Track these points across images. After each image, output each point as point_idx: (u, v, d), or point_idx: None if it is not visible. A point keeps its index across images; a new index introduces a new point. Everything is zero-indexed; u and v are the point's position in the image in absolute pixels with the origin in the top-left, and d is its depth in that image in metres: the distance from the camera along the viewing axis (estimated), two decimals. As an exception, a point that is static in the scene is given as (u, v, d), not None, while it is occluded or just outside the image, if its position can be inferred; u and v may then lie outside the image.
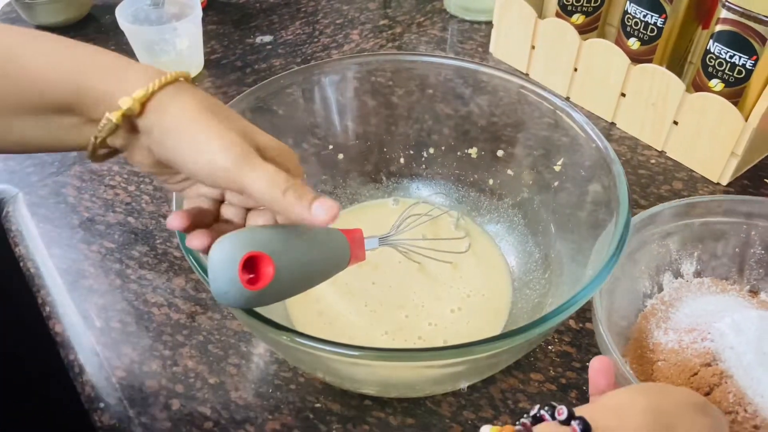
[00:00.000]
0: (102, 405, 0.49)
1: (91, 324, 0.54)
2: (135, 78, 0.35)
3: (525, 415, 0.32)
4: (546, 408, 0.31)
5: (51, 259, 0.59)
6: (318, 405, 0.48)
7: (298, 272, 0.37)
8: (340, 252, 0.40)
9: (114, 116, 0.34)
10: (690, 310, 0.50)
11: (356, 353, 0.37)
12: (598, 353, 0.51)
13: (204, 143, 0.34)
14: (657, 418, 0.31)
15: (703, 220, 0.52)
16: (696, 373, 0.45)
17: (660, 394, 0.33)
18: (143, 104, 0.34)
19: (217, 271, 0.34)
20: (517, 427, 0.30)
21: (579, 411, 0.31)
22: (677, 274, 0.54)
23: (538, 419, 0.31)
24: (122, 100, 0.34)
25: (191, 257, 0.42)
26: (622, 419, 0.31)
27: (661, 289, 0.53)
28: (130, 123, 0.35)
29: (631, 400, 0.32)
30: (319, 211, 0.34)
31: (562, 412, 0.30)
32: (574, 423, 0.29)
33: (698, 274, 0.54)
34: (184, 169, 0.35)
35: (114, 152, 0.38)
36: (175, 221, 0.38)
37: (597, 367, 0.37)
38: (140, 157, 0.38)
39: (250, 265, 0.35)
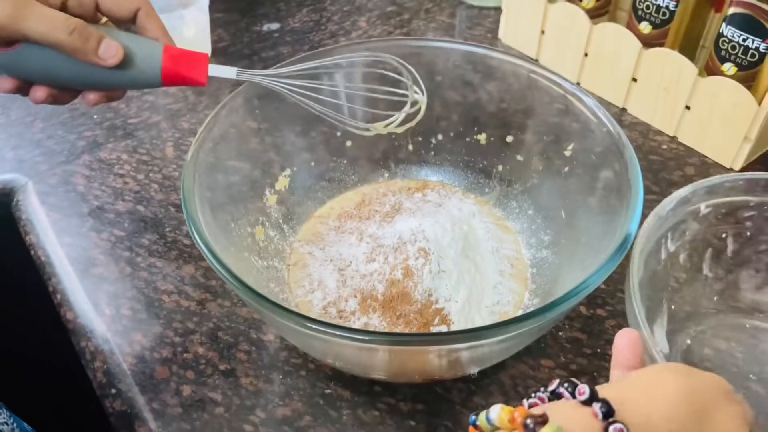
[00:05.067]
0: (114, 391, 0.49)
1: (102, 311, 0.54)
2: None
3: (542, 389, 0.29)
4: (566, 385, 0.29)
5: (61, 247, 0.59)
6: (328, 391, 0.48)
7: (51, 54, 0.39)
8: (141, 60, 0.42)
9: None
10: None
11: (366, 338, 0.38)
12: (610, 340, 0.51)
13: None
14: (690, 399, 0.29)
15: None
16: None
17: (689, 374, 0.30)
18: None
19: None
20: (532, 400, 0.28)
21: (602, 390, 0.28)
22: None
23: (556, 395, 0.29)
24: None
25: (201, 244, 0.42)
26: (651, 398, 0.28)
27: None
28: None
29: (659, 378, 0.30)
30: (107, 54, 0.39)
31: (584, 391, 0.28)
32: (595, 405, 0.27)
33: (737, 252, 0.50)
34: None
35: None
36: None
37: (625, 340, 0.35)
38: None
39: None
